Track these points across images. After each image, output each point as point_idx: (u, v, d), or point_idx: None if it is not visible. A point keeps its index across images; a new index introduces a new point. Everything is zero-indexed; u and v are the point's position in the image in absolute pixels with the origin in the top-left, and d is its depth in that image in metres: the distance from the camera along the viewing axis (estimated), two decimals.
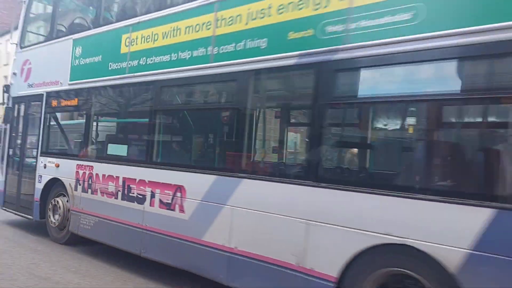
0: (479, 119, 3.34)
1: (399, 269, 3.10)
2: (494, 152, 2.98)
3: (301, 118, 4.29)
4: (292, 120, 5.06)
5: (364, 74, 3.48)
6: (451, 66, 3.09)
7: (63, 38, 6.70)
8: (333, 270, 3.37)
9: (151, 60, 5.16)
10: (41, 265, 5.26)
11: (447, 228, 2.87)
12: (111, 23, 5.99)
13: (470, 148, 3.27)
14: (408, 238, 3.02)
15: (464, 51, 2.92)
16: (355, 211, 3.29)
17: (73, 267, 5.25)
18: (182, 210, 4.61)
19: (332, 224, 3.41)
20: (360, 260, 3.25)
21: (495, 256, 2.66)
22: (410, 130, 3.81)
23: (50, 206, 6.57)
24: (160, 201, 4.85)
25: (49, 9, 7.41)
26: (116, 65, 5.66)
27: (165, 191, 4.80)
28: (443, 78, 3.19)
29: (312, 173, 3.60)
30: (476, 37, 2.86)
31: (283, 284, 3.65)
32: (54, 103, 6.75)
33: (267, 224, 3.83)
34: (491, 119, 3.26)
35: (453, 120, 3.46)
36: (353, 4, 3.48)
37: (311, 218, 3.54)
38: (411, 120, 3.76)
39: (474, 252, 2.74)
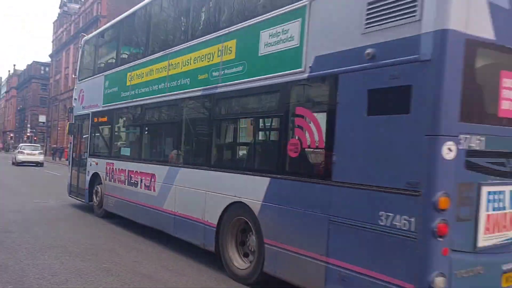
0: (270, 127, 5.55)
1: (240, 216, 5.39)
2: (273, 147, 5.08)
3: (204, 129, 6.36)
4: (199, 130, 6.75)
5: (229, 101, 5.90)
6: (261, 97, 5.34)
7: (100, 74, 9.92)
8: (215, 219, 5.67)
9: (139, 91, 7.96)
10: (143, 263, 6.04)
11: (253, 190, 5.06)
12: (122, 65, 8.90)
13: (263, 145, 5.67)
14: (241, 197, 5.28)
15: (265, 89, 5.10)
16: (222, 183, 5.63)
17: (170, 266, 5.96)
18: (154, 189, 7.28)
19: (213, 192, 5.80)
20: (225, 212, 5.53)
21: (271, 204, 4.79)
22: (245, 134, 6.32)
23: (94, 192, 9.82)
24: (144, 184, 7.63)
25: (94, 53, 10.78)
26: (124, 94, 8.62)
27: (146, 178, 7.54)
28: (258, 103, 5.52)
29: (207, 162, 6.08)
30: (267, 81, 5.04)
31: (197, 231, 6.07)
32: (95, 120, 10.01)
33: (189, 195, 6.32)
34: (274, 127, 5.41)
35: (261, 127, 5.73)
36: (222, 59, 5.78)
37: (206, 189, 5.95)
38: (244, 128, 6.35)
39: (263, 202, 4.91)
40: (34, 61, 72.91)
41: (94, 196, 9.89)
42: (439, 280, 3.21)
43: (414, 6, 3.43)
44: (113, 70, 9.27)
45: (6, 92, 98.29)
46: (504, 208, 3.65)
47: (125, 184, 8.43)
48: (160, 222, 7.14)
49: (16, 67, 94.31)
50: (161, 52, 7.39)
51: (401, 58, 3.49)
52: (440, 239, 3.26)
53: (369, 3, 3.82)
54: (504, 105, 3.60)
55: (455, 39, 3.27)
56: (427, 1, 3.35)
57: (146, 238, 7.81)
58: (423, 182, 3.29)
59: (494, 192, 3.57)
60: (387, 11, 3.66)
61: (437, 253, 3.26)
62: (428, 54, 3.29)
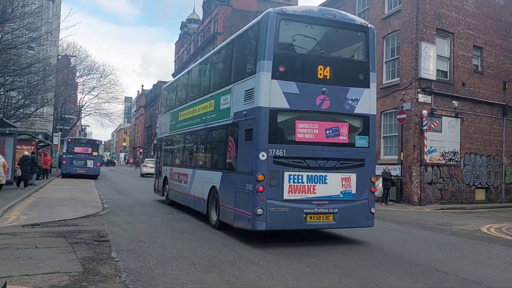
0: (223, 146, 10.49)
1: (214, 193, 10.72)
2: (223, 157, 10.31)
3: (204, 147, 12.30)
4: (202, 148, 12.60)
5: (211, 131, 11.68)
6: (220, 130, 10.84)
7: (168, 112, 16.50)
8: (206, 196, 11.27)
9: (183, 124, 14.19)
10: (263, 279, 6.26)
11: (217, 179, 10.52)
12: (177, 107, 15.24)
13: (220, 155, 10.69)
14: (213, 183, 10.76)
15: (221, 126, 10.70)
16: (209, 176, 11.25)
17: (292, 284, 6.04)
18: (186, 183, 13.35)
19: (205, 181, 11.43)
20: (209, 192, 10.97)
21: (222, 185, 10.24)
22: (215, 149, 11.34)
23: (165, 189, 16.22)
24: (183, 180, 13.70)
25: (166, 97, 17.47)
26: (178, 125, 14.82)
27: (184, 177, 13.65)
28: (220, 134, 10.88)
29: (203, 165, 12.13)
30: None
31: (200, 204, 11.79)
32: (165, 141, 16.62)
33: (198, 184, 12.21)
34: (224, 146, 10.42)
35: (221, 146, 10.69)
36: (209, 110, 11.60)
37: (203, 180, 11.72)
38: (215, 146, 11.33)
39: (220, 184, 10.40)
40: (159, 81, 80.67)
41: (165, 192, 16.23)
42: (259, 211, 8.35)
43: (252, 97, 8.81)
44: (173, 110, 15.70)
45: (136, 111, 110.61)
46: (302, 182, 8.73)
47: (176, 181, 14.68)
48: (188, 202, 13.13)
49: (144, 87, 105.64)
50: (190, 102, 13.57)
51: (251, 117, 8.83)
52: (260, 193, 8.38)
53: (245, 92, 9.20)
54: (298, 136, 8.84)
55: (264, 109, 8.56)
56: (255, 95, 8.69)
57: (263, 252, 7.96)
58: (254, 169, 8.52)
59: (294, 175, 8.67)
60: (249, 97, 9.01)
61: (259, 199, 8.36)
62: (255, 116, 8.65)
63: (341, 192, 9.04)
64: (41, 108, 31.97)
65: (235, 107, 9.73)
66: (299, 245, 8.87)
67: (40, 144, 31.11)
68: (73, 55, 41.96)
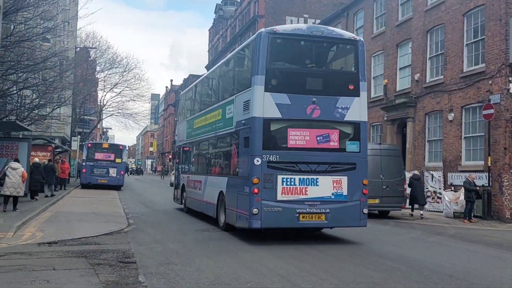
0: (228, 153, 13.77)
1: (222, 197, 13.66)
2: (228, 164, 13.58)
3: (214, 154, 15.66)
4: (213, 155, 15.73)
5: (220, 139, 14.70)
6: (227, 138, 13.89)
7: (185, 120, 20.25)
8: (215, 201, 14.23)
9: (197, 132, 17.32)
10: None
11: (223, 184, 13.61)
12: (192, 115, 18.74)
13: (226, 162, 13.93)
14: (221, 188, 13.72)
15: (228, 134, 13.62)
16: (217, 182, 14.26)
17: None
18: (200, 189, 16.37)
19: (214, 187, 14.51)
20: (218, 197, 13.91)
21: (227, 189, 13.21)
22: (222, 156, 14.52)
23: (182, 197, 19.35)
24: (198, 187, 16.76)
25: (183, 105, 21.86)
26: (193, 133, 18.10)
27: (198, 184, 16.67)
28: (227, 141, 13.97)
29: (214, 172, 15.19)
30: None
31: (211, 208, 14.79)
32: (183, 149, 19.93)
33: (209, 191, 15.24)
34: (229, 153, 13.55)
35: (226, 153, 14.03)
36: (217, 119, 14.70)
37: (212, 186, 14.84)
38: (222, 153, 14.65)
39: (226, 189, 13.36)
40: (190, 75, 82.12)
41: (183, 199, 19.21)
42: (255, 210, 11.04)
43: (249, 107, 11.68)
44: (189, 117, 19.05)
45: (164, 110, 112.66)
46: (294, 184, 11.30)
47: (192, 188, 17.67)
48: (202, 208, 16.06)
49: (173, 82, 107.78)
50: (203, 111, 16.65)
51: (248, 126, 11.67)
52: (255, 195, 11.07)
53: (244, 102, 12.06)
54: (291, 142, 11.49)
55: (258, 119, 11.33)
56: (251, 106, 11.54)
57: (315, 277, 7.86)
58: (250, 173, 11.33)
59: (287, 178, 11.27)
60: (247, 107, 11.85)
61: (254, 200, 11.07)
62: (251, 125, 11.47)
63: (333, 194, 11.54)
64: (58, 109, 33.37)
65: (237, 117, 12.65)
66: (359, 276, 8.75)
67: (57, 150, 32.44)
68: (93, 47, 43.54)
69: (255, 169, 11.19)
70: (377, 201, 17.90)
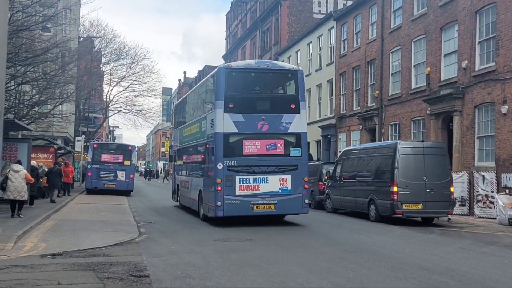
0: (202, 159, 19.52)
1: (200, 194, 19.26)
2: (203, 167, 19.16)
3: (194, 159, 21.46)
4: (194, 159, 21.61)
5: (197, 147, 20.70)
6: (200, 147, 20.05)
7: (176, 128, 26.99)
8: (197, 197, 19.60)
9: (186, 139, 23.13)
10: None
11: (201, 183, 19.27)
12: (182, 124, 24.58)
13: (202, 166, 19.54)
14: (200, 187, 19.23)
15: (202, 144, 19.80)
16: (198, 182, 19.78)
17: None
18: (188, 188, 21.85)
19: (197, 186, 19.85)
20: (199, 194, 19.16)
21: (203, 188, 18.59)
22: (199, 160, 20.39)
23: (178, 194, 24.98)
24: (186, 187, 22.38)
25: (175, 114, 29.45)
26: (183, 140, 23.95)
27: (187, 184, 22.25)
28: (201, 150, 19.99)
29: (195, 174, 20.87)
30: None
31: (195, 203, 20.15)
32: (177, 153, 25.94)
33: (193, 189, 20.71)
34: (203, 160, 19.33)
35: (202, 159, 19.74)
36: (197, 130, 20.51)
37: (195, 185, 20.28)
38: (199, 158, 20.53)
39: (202, 188, 18.78)
40: (206, 66, 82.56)
41: (178, 198, 24.65)
42: (219, 203, 16.39)
43: (213, 125, 17.29)
44: (181, 126, 24.70)
45: None
46: (249, 183, 16.66)
47: (183, 188, 23.00)
48: (190, 203, 21.35)
49: (187, 75, 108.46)
50: (189, 122, 22.59)
51: (213, 138, 17.25)
52: (219, 191, 16.42)
53: (211, 120, 17.77)
54: (245, 151, 16.95)
55: (219, 134, 16.81)
56: (215, 124, 17.06)
57: None
58: (214, 175, 16.74)
59: (243, 178, 16.62)
60: (212, 124, 17.56)
61: (218, 196, 16.43)
62: (215, 138, 16.98)
63: (280, 189, 16.72)
64: (60, 106, 33.79)
65: (207, 131, 18.17)
66: None
67: (60, 151, 32.92)
68: (98, 36, 44.03)
69: (218, 172, 16.46)
70: (419, 206, 17.76)
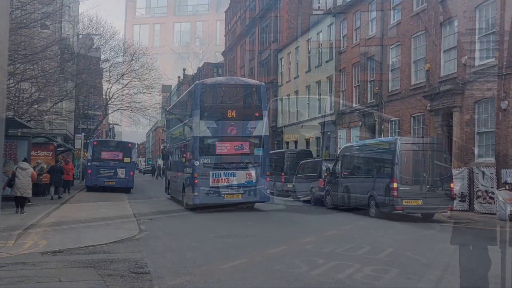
0: (185, 157, 23.54)
1: (184, 185, 22.84)
2: (185, 161, 23.16)
3: (180, 157, 25.17)
4: (179, 157, 25.33)
5: (183, 147, 24.39)
6: (182, 147, 24.57)
7: (168, 130, 32.27)
8: (181, 189, 23.21)
9: (175, 140, 27.88)
10: None
11: (184, 178, 22.91)
12: (172, 127, 29.54)
13: (184, 162, 24.17)
14: (183, 181, 23.06)
15: (183, 145, 24.61)
16: (184, 176, 22.91)
17: None
18: (176, 182, 25.31)
19: (180, 180, 23.89)
20: (183, 186, 22.79)
21: (186, 181, 22.25)
22: (183, 158, 24.23)
23: (169, 187, 28.51)
24: (174, 181, 26.07)
25: (167, 118, 35.30)
26: (172, 141, 28.90)
27: (176, 178, 25.57)
28: (184, 149, 24.05)
29: (180, 169, 24.27)
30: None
31: (180, 194, 23.60)
32: (168, 152, 31.00)
33: (181, 181, 23.47)
34: (186, 158, 23.50)
35: (184, 157, 23.93)
36: (180, 133, 25.30)
37: (182, 179, 23.50)
38: (183, 156, 24.19)
39: (185, 181, 22.82)
40: (205, 63, 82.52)
41: (169, 191, 28.14)
42: (196, 193, 20.47)
43: (192, 129, 21.77)
44: (170, 129, 30.11)
45: None
46: (221, 177, 20.68)
47: (173, 182, 26.78)
48: (176, 195, 25.09)
49: (186, 72, 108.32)
50: (176, 126, 27.61)
51: (191, 141, 21.61)
52: (195, 184, 20.41)
53: (190, 126, 22.35)
54: (218, 150, 21.17)
55: (196, 137, 21.10)
56: (193, 129, 21.44)
57: None
58: (192, 170, 20.90)
59: (216, 173, 20.66)
60: (191, 129, 22.20)
61: (195, 187, 20.43)
62: (193, 140, 21.27)
63: (246, 181, 20.43)
64: (60, 103, 33.78)
65: (188, 134, 22.29)
66: None
67: (60, 149, 32.93)
68: (97, 33, 43.99)
69: (195, 168, 20.24)
70: (419, 202, 17.73)
